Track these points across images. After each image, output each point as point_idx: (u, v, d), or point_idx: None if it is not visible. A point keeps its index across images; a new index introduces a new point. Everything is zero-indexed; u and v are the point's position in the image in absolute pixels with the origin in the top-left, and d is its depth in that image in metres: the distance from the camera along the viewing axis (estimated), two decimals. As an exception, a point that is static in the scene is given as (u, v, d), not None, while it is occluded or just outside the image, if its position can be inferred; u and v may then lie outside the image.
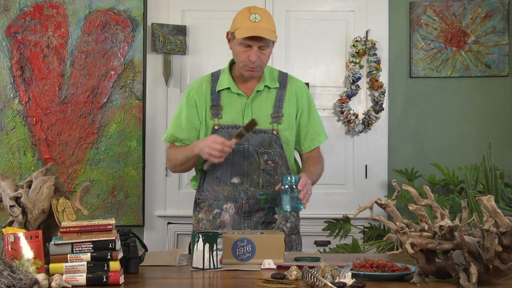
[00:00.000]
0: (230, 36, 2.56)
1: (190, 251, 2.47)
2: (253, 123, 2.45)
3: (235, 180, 2.57)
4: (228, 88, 2.59)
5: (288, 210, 2.37)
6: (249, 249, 2.20)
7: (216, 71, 2.68)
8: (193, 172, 2.73)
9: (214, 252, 2.07)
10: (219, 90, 2.60)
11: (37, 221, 2.07)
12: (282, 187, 2.32)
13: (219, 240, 2.09)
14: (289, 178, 2.31)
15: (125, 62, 3.95)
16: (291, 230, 2.62)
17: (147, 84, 4.00)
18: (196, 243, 2.09)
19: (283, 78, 2.65)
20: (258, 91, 2.58)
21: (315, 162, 2.66)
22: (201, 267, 2.07)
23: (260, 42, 2.47)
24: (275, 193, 2.60)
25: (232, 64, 2.64)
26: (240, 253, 2.19)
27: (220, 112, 2.57)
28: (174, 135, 2.65)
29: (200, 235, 2.09)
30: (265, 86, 2.60)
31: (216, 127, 2.56)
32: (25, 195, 2.07)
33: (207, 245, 2.07)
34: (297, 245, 2.64)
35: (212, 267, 2.07)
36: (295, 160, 2.71)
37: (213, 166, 2.58)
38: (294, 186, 2.29)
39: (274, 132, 2.56)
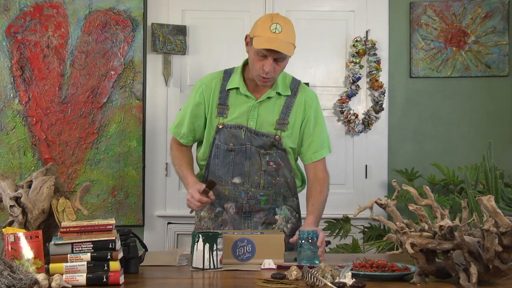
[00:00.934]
0: (249, 40, 2.49)
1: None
2: (211, 184, 2.43)
3: (236, 180, 2.57)
4: (237, 88, 2.57)
5: (306, 265, 2.30)
6: (249, 249, 2.20)
7: (229, 68, 2.64)
8: (196, 170, 2.72)
9: (214, 252, 2.07)
10: (229, 89, 2.58)
11: (37, 221, 2.07)
12: (299, 241, 2.23)
13: (219, 240, 2.09)
14: (306, 233, 2.23)
15: (125, 62, 3.95)
16: (292, 231, 2.61)
17: (147, 84, 4.00)
18: (196, 243, 2.09)
19: (295, 86, 2.61)
20: (269, 97, 2.56)
21: (321, 187, 2.58)
22: (201, 267, 2.07)
23: (276, 54, 2.40)
24: (276, 194, 2.60)
25: (245, 64, 2.60)
26: (240, 253, 2.19)
27: (225, 112, 2.56)
28: (178, 130, 2.66)
29: (200, 235, 2.09)
30: (276, 92, 2.58)
31: (220, 126, 2.55)
32: (25, 195, 2.07)
33: (207, 245, 2.07)
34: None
35: (212, 267, 2.07)
36: (298, 167, 2.70)
37: (215, 165, 2.58)
38: (310, 241, 2.24)
39: (276, 138, 2.55)
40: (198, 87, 2.62)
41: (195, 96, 2.61)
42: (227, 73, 2.61)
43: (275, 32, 2.39)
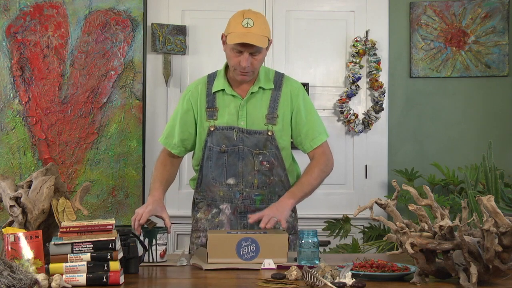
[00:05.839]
0: (225, 39, 2.54)
1: (190, 251, 2.48)
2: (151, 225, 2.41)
3: (231, 181, 2.57)
4: (223, 90, 2.59)
5: (306, 265, 2.29)
6: (253, 248, 2.21)
7: (212, 73, 2.67)
8: (192, 172, 2.73)
9: (154, 247, 2.22)
10: (214, 92, 2.59)
11: (37, 221, 2.07)
12: (299, 241, 2.24)
13: (158, 235, 2.23)
14: (305, 233, 2.24)
15: (125, 62, 3.95)
16: (288, 230, 2.60)
17: (147, 84, 4.00)
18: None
19: (279, 79, 2.63)
20: (252, 92, 2.58)
21: (313, 169, 2.60)
22: (147, 260, 2.21)
23: (251, 48, 2.44)
24: (271, 193, 2.60)
25: (227, 65, 2.64)
26: (244, 252, 2.21)
27: (215, 114, 2.58)
28: (169, 141, 2.66)
29: (141, 231, 2.25)
30: (259, 87, 2.59)
31: (211, 129, 2.56)
32: (25, 195, 2.07)
33: (146, 240, 2.22)
34: (295, 245, 2.64)
35: (151, 260, 2.20)
36: (294, 160, 2.70)
37: (208, 167, 2.59)
38: (310, 241, 2.24)
39: (269, 133, 2.55)
40: (184, 95, 2.66)
41: (183, 103, 2.63)
42: (211, 77, 2.64)
43: (247, 27, 2.44)
